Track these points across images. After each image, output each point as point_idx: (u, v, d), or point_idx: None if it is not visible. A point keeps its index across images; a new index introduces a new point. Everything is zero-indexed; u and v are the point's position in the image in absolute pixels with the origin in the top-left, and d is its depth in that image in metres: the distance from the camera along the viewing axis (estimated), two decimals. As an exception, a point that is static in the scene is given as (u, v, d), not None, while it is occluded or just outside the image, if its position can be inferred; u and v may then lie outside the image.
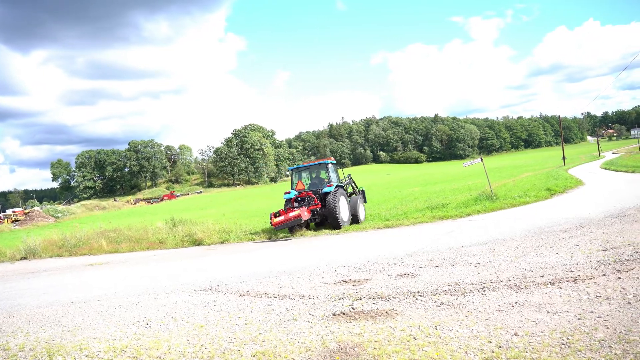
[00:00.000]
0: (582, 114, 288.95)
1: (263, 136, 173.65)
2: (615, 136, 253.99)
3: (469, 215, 19.64)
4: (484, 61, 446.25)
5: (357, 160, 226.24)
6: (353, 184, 25.21)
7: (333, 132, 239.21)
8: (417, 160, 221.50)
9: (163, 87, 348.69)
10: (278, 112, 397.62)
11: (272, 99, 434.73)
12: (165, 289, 11.53)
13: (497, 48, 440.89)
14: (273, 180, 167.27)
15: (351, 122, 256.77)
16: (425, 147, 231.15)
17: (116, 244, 22.66)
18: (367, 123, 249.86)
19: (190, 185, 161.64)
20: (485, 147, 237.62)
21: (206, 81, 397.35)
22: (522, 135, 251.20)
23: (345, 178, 24.30)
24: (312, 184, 22.38)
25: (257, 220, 28.40)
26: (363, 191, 25.15)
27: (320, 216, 20.87)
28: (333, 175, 22.52)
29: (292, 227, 20.18)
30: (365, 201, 24.80)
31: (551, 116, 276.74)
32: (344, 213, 20.75)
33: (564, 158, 73.87)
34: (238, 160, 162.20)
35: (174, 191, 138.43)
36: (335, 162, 23.21)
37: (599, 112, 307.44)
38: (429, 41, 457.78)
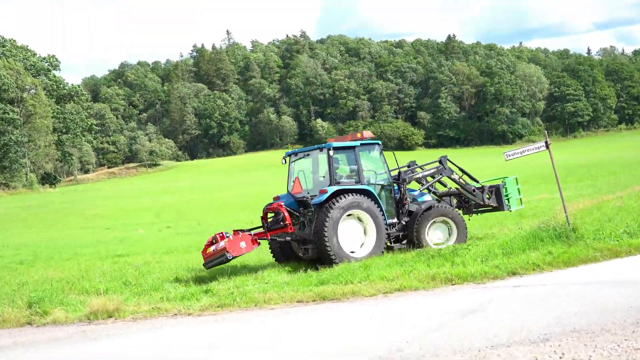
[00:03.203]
0: None
1: (26, 69, 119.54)
2: None
3: (513, 274, 15.85)
4: None
5: (259, 138, 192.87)
6: (458, 178, 22.01)
7: (205, 67, 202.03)
8: (403, 143, 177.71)
9: None
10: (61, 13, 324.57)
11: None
12: None
13: None
14: (47, 178, 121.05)
15: (250, 47, 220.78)
16: (423, 113, 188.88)
17: None
18: (288, 49, 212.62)
19: None
20: (561, 118, 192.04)
21: None
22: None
23: (428, 165, 22.06)
24: (322, 183, 20.42)
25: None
26: (496, 189, 21.81)
27: (308, 245, 19.61)
28: (364, 166, 20.35)
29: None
30: (505, 206, 21.88)
31: None
32: (350, 240, 19.31)
33: None
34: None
35: None
36: (376, 141, 20.88)
37: None
38: None
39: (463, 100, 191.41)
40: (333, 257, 18.44)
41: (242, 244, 18.45)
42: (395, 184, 20.68)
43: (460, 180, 21.76)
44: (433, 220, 20.19)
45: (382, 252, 19.36)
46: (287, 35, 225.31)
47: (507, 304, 12.58)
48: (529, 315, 11.40)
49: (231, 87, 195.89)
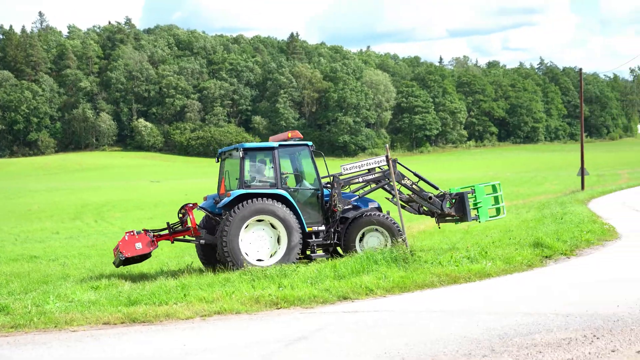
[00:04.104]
0: (633, 75, 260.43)
1: None
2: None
3: (344, 298, 16.01)
4: None
5: (73, 137, 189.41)
6: (410, 184, 22.53)
7: (12, 53, 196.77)
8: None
9: None
10: None
11: None
12: None
13: None
14: None
15: (66, 33, 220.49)
16: (258, 118, 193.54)
17: None
18: (110, 38, 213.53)
19: None
20: (408, 130, 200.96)
21: None
22: (497, 110, 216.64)
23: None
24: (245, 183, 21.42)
25: None
26: (459, 196, 22.41)
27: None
28: (289, 169, 22.20)
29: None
30: (469, 216, 22.35)
31: (563, 69, 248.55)
32: (259, 248, 20.56)
33: (583, 173, 62.47)
34: None
35: None
36: (306, 142, 21.92)
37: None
38: None
39: (303, 106, 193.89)
40: (232, 264, 19.55)
41: (138, 245, 20.13)
42: (327, 189, 21.57)
43: (414, 186, 22.35)
44: (365, 228, 21.27)
45: (295, 262, 20.32)
46: (109, 22, 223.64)
47: (335, 331, 12.68)
48: (357, 345, 11.54)
49: (42, 78, 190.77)
